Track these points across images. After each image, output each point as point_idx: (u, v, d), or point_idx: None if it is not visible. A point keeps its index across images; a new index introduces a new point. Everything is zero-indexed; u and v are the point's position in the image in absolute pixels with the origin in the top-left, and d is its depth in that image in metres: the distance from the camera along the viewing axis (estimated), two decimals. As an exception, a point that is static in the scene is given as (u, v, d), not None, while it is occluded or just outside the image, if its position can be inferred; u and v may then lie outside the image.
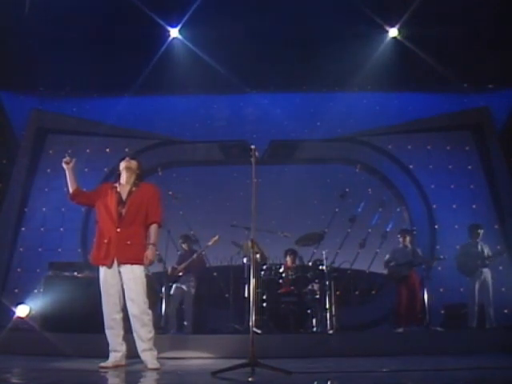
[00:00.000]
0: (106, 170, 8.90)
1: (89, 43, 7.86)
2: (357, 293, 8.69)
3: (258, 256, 6.59)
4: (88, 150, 9.16)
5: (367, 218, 9.21)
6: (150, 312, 4.10)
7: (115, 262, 4.07)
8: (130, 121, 9.48)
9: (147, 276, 4.30)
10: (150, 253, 4.13)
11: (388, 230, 9.01)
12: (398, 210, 9.32)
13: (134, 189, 4.26)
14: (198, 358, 5.21)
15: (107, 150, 9.34)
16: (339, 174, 9.58)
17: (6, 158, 8.95)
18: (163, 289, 6.91)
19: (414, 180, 9.29)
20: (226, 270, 7.70)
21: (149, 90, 9.21)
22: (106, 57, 8.03)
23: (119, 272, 4.08)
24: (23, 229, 8.92)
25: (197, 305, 7.26)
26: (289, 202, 8.92)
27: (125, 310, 4.09)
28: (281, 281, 6.89)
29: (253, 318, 3.82)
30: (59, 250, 8.67)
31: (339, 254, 8.49)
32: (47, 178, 9.12)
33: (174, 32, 8.37)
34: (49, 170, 9.18)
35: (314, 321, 6.71)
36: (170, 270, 7.14)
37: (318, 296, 6.81)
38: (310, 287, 6.88)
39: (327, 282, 6.76)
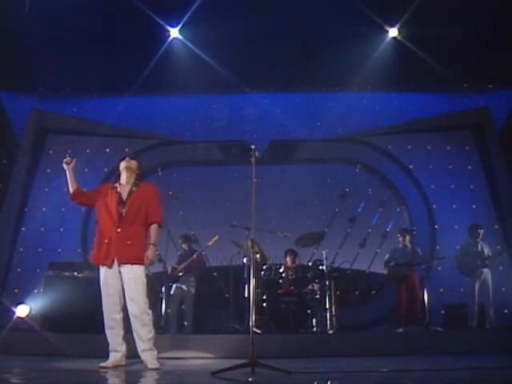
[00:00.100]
0: (106, 169, 8.90)
1: (89, 43, 7.86)
2: (357, 293, 8.68)
3: (257, 256, 6.60)
4: (88, 150, 9.16)
5: (367, 218, 9.21)
6: (150, 312, 4.10)
7: (115, 262, 4.07)
8: (130, 121, 9.48)
9: (147, 276, 4.30)
10: (150, 253, 4.13)
11: (388, 229, 9.01)
12: (398, 210, 9.32)
13: (134, 189, 4.26)
14: (197, 358, 5.21)
15: (107, 150, 9.34)
16: (339, 174, 9.58)
17: (5, 158, 8.95)
18: (163, 289, 6.92)
19: (414, 180, 9.29)
20: (226, 269, 7.69)
21: (149, 90, 9.21)
22: (106, 57, 8.03)
23: (119, 272, 4.08)
24: (23, 229, 8.92)
25: (197, 305, 7.26)
26: (289, 202, 8.92)
27: (125, 309, 4.09)
28: (281, 281, 6.89)
29: (253, 318, 3.82)
30: (59, 250, 8.67)
31: (339, 253, 8.48)
32: (47, 178, 9.13)
33: (174, 32, 8.37)
34: (49, 170, 9.19)
35: (314, 321, 6.71)
36: (170, 269, 7.14)
37: (318, 296, 6.81)
38: (310, 287, 6.88)
39: (327, 282, 6.76)
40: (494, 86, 9.31)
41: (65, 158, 4.27)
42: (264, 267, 6.93)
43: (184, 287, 7.16)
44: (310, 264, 7.23)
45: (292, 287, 6.81)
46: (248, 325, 5.67)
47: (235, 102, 9.89)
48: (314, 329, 6.66)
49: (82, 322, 5.60)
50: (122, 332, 4.09)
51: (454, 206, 8.91)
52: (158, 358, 4.12)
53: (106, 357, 4.04)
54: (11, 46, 7.72)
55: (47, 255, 8.30)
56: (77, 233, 8.88)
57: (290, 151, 9.61)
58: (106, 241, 4.10)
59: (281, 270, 6.96)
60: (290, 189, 8.90)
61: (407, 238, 7.49)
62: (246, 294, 6.50)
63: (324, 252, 6.97)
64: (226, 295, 7.39)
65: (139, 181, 4.34)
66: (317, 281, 6.89)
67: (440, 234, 8.84)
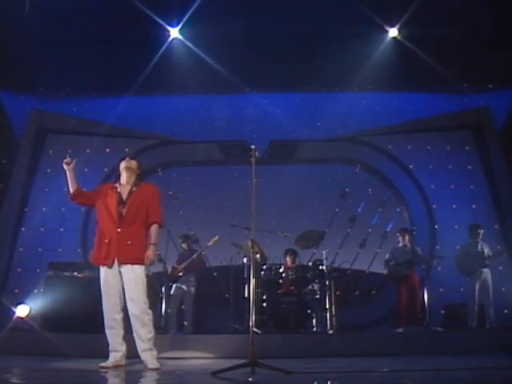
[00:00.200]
0: (106, 169, 8.90)
1: (89, 43, 7.87)
2: (357, 293, 8.69)
3: (257, 256, 6.59)
4: (88, 150, 9.16)
5: (367, 218, 9.22)
6: (150, 312, 4.10)
7: (116, 262, 4.07)
8: (130, 121, 9.48)
9: (147, 276, 4.30)
10: (150, 253, 4.13)
11: (388, 229, 9.01)
12: (398, 209, 9.32)
13: (134, 189, 4.26)
14: (198, 358, 5.21)
15: (107, 150, 9.34)
16: (339, 174, 9.58)
17: (6, 157, 8.95)
18: (163, 289, 6.92)
19: (414, 180, 9.29)
20: (226, 269, 7.69)
21: (149, 90, 9.21)
22: (106, 57, 8.03)
23: (120, 272, 4.08)
24: (23, 229, 8.92)
25: (197, 305, 7.26)
26: (289, 202, 8.92)
27: (125, 309, 4.09)
28: (281, 281, 6.89)
29: (253, 318, 3.82)
30: (59, 250, 8.67)
31: (339, 253, 8.49)
32: (47, 178, 9.12)
33: (174, 32, 8.36)
34: (49, 170, 9.19)
35: (314, 321, 6.71)
36: (170, 269, 7.14)
37: (318, 296, 6.81)
38: (310, 287, 6.88)
39: (327, 282, 6.76)
40: (494, 86, 9.31)
41: (65, 158, 4.27)
42: (264, 267, 6.93)
43: (184, 287, 7.16)
44: (310, 264, 7.23)
45: (292, 287, 6.81)
46: (248, 325, 5.68)
47: (235, 102, 9.88)
48: (314, 329, 6.66)
49: (82, 322, 5.60)
50: (122, 332, 4.09)
51: (454, 206, 8.91)
52: (158, 358, 4.12)
53: (106, 357, 4.04)
54: (11, 46, 7.72)
55: (47, 255, 8.30)
56: (77, 233, 8.88)
57: (290, 151, 9.61)
58: (106, 241, 4.10)
59: (281, 270, 6.96)
60: (289, 189, 8.90)
61: (407, 237, 7.49)
62: (246, 294, 6.50)
63: (324, 252, 6.97)
64: (226, 295, 7.39)
65: (139, 181, 4.34)
66: (317, 281, 6.89)
67: (440, 234, 8.84)
